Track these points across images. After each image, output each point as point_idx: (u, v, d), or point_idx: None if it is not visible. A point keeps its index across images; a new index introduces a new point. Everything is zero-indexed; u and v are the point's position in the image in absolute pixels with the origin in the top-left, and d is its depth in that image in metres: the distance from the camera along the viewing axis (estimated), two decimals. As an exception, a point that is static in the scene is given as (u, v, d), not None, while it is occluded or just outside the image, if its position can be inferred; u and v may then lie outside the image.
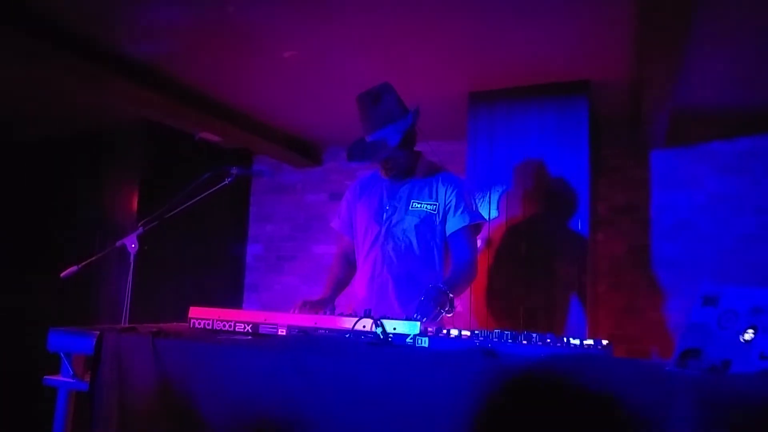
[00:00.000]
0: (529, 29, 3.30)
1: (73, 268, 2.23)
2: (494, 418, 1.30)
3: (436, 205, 2.54)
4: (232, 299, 6.02)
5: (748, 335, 1.28)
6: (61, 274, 2.21)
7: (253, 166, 6.31)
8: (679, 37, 2.91)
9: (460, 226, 2.51)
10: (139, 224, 2.38)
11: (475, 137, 4.20)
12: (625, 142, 4.81)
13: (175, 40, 3.58)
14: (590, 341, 1.59)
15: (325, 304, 2.42)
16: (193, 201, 2.42)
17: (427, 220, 2.53)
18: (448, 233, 2.54)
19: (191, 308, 2.14)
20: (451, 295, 2.18)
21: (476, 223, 2.56)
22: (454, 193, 2.54)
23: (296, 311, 2.25)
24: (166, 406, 1.72)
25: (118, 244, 2.34)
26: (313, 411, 1.52)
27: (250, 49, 3.67)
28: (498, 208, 4.06)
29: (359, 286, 2.65)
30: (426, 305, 2.10)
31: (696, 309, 1.31)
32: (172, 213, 2.41)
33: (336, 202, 5.82)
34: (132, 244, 2.33)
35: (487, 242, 4.04)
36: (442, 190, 2.56)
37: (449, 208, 2.53)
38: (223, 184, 2.47)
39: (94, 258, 2.29)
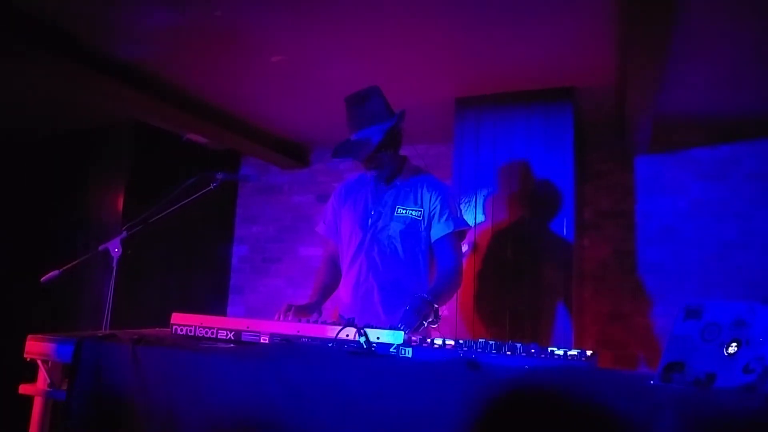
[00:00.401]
0: (514, 37, 3.31)
1: (54, 273, 2.20)
2: (477, 430, 1.30)
3: (421, 211, 2.53)
4: (217, 302, 5.97)
5: (732, 348, 1.28)
6: (42, 279, 2.18)
7: (240, 169, 6.28)
8: (661, 45, 2.93)
9: (444, 233, 2.50)
10: (123, 228, 2.35)
11: (462, 142, 4.20)
12: (611, 148, 4.84)
13: (163, 42, 3.55)
14: (574, 352, 1.58)
15: (312, 310, 2.41)
16: (177, 206, 2.40)
17: (412, 226, 2.52)
18: (432, 240, 2.53)
19: (173, 314, 2.11)
20: (435, 306, 2.17)
21: (461, 229, 2.56)
22: (439, 199, 2.53)
23: (281, 316, 2.23)
24: (146, 415, 1.69)
25: (101, 248, 2.31)
26: (295, 420, 1.50)
27: (238, 52, 3.66)
28: (484, 213, 4.06)
29: (344, 293, 2.63)
30: (410, 316, 2.08)
31: (679, 322, 1.31)
32: (156, 218, 2.39)
33: (323, 203, 5.80)
34: (115, 249, 2.30)
35: (474, 247, 4.04)
36: (426, 196, 2.54)
37: (434, 214, 2.52)
38: (207, 189, 2.45)
39: (76, 262, 2.25)
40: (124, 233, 2.31)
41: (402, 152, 2.65)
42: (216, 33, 3.38)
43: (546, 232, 3.91)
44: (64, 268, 2.23)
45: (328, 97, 4.33)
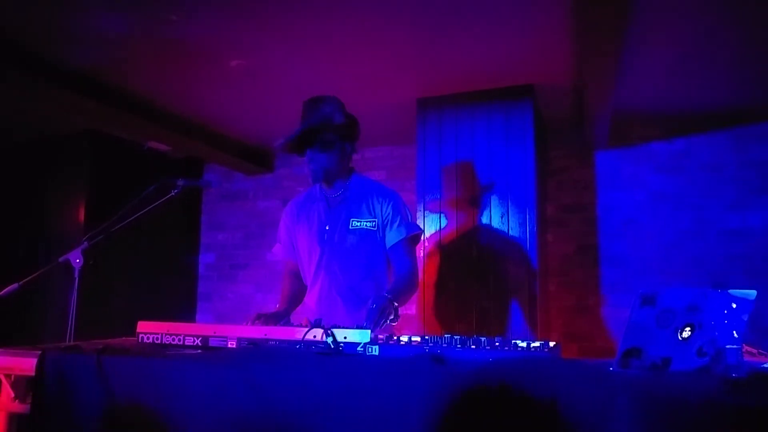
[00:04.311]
0: (473, 37, 3.36)
1: (13, 286, 2.15)
2: (443, 423, 1.32)
3: (375, 221, 2.54)
4: (185, 310, 5.91)
5: (686, 333, 1.32)
6: (0, 293, 2.14)
7: (203, 176, 6.24)
8: (614, 42, 3.01)
9: (397, 240, 2.52)
10: (84, 239, 2.32)
11: (424, 142, 4.24)
12: (571, 144, 4.93)
13: (120, 50, 3.52)
14: (537, 343, 1.61)
15: (281, 317, 2.39)
16: (139, 214, 2.37)
17: (368, 237, 2.53)
18: (387, 247, 2.55)
19: (139, 323, 2.09)
20: (395, 304, 2.19)
21: (414, 234, 2.58)
22: (390, 206, 2.55)
23: (249, 324, 2.21)
24: (113, 426, 1.67)
25: (61, 259, 2.27)
26: (265, 423, 1.51)
27: (197, 59, 3.64)
28: (448, 211, 4.10)
29: (309, 310, 2.62)
30: (375, 314, 2.10)
31: (635, 309, 1.35)
32: (118, 227, 2.36)
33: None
34: (77, 259, 2.26)
35: (439, 244, 4.07)
36: (378, 205, 2.55)
37: (386, 222, 2.54)
38: (169, 196, 2.43)
39: (35, 275, 2.21)
40: (85, 243, 2.27)
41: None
42: (173, 38, 3.35)
43: (510, 229, 3.96)
44: (24, 281, 2.18)
45: (290, 101, 4.28)
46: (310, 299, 2.62)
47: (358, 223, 2.54)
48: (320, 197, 2.64)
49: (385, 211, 2.54)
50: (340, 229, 2.55)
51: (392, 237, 2.53)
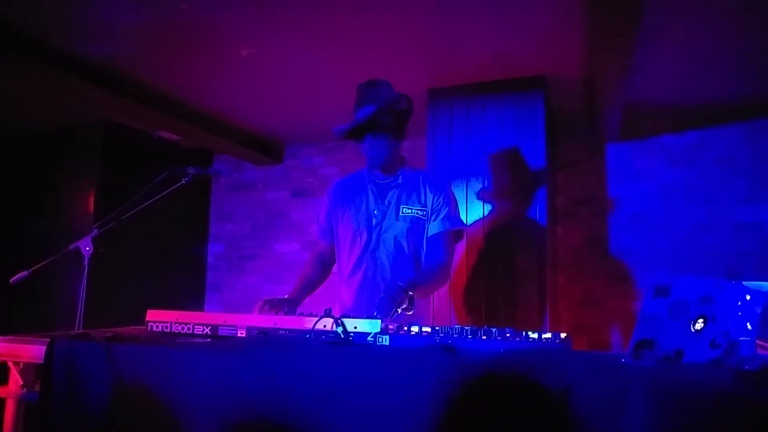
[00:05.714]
0: (485, 27, 3.33)
1: (23, 273, 2.16)
2: (453, 413, 1.31)
3: (425, 210, 2.52)
4: (194, 300, 5.94)
5: (699, 325, 1.31)
6: (11, 280, 2.14)
7: (213, 165, 6.25)
8: (628, 34, 2.98)
9: (438, 231, 2.50)
10: (94, 226, 2.32)
11: (434, 133, 4.22)
12: (582, 137, 4.90)
13: (130, 40, 3.51)
14: (548, 335, 1.60)
15: (288, 304, 2.38)
16: (149, 202, 2.37)
17: (417, 224, 2.51)
18: (427, 236, 2.53)
19: (148, 311, 2.09)
20: (411, 293, 2.16)
21: (456, 229, 2.56)
22: (442, 197, 2.53)
23: (257, 311, 2.21)
24: (122, 413, 1.67)
25: (71, 247, 2.27)
26: (274, 412, 1.50)
27: (207, 48, 3.63)
28: (458, 203, 4.09)
29: (347, 294, 2.59)
30: (385, 304, 2.08)
31: (648, 300, 1.34)
32: (128, 215, 2.36)
33: (298, 199, 5.80)
34: (86, 247, 2.26)
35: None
36: (430, 195, 2.54)
37: (434, 212, 2.52)
38: (179, 184, 2.43)
39: (45, 262, 2.22)
40: (95, 231, 2.28)
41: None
42: (183, 28, 3.35)
43: (520, 221, 3.94)
44: (33, 268, 2.19)
45: (300, 92, 4.32)
46: (351, 285, 2.58)
47: (409, 210, 2.52)
48: (369, 181, 2.61)
49: (435, 202, 2.53)
50: (389, 215, 2.53)
51: (434, 227, 2.51)
